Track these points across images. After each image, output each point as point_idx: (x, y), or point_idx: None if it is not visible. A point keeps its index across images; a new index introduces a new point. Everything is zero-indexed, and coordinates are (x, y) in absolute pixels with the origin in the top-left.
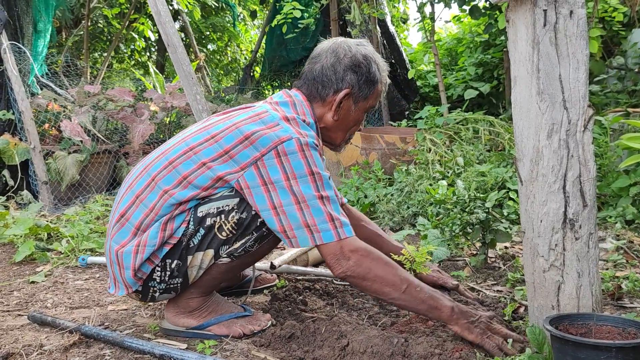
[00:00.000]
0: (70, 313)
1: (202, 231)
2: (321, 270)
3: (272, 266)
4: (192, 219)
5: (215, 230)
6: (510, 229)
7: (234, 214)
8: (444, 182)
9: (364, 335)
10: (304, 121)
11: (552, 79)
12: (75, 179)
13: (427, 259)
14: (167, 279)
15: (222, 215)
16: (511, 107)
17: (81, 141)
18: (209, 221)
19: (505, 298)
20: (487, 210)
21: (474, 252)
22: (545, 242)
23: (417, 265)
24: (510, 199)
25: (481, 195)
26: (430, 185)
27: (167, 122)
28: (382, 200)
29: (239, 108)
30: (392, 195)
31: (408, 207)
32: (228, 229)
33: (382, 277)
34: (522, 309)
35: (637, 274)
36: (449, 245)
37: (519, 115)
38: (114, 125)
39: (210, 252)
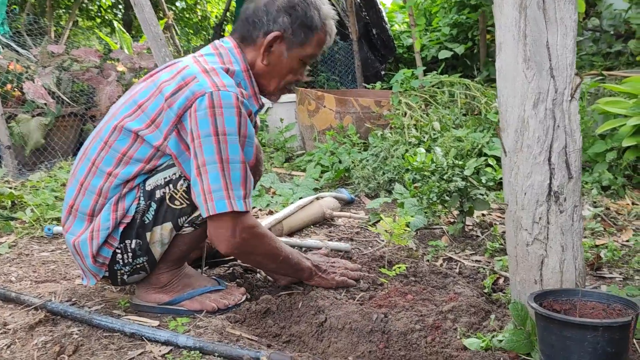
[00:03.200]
0: (36, 287)
1: (154, 205)
2: (309, 241)
3: None
4: (142, 195)
5: (167, 201)
6: (488, 196)
7: (182, 182)
8: (422, 150)
9: (342, 310)
10: (228, 70)
11: (539, 46)
12: (40, 143)
13: (405, 230)
14: (130, 260)
15: (171, 185)
16: (485, 69)
17: (45, 104)
18: (158, 193)
19: (484, 269)
20: (465, 177)
21: (452, 220)
22: (529, 215)
23: (395, 237)
24: (489, 165)
25: (459, 163)
26: (407, 151)
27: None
28: (357, 165)
29: (166, 66)
30: (367, 160)
31: (384, 173)
32: (180, 198)
33: (264, 253)
34: (501, 280)
35: (616, 242)
36: (426, 213)
37: (503, 83)
38: (80, 87)
39: (169, 226)
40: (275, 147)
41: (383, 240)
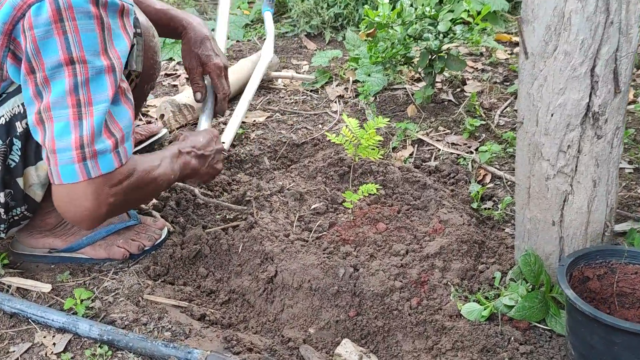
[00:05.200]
0: None
1: (17, 142)
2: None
3: None
4: None
5: None
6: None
7: None
8: (386, 0)
9: (298, 262)
10: None
11: None
12: None
13: (375, 140)
14: (3, 216)
15: None
16: None
17: None
18: (19, 126)
19: (465, 160)
20: (438, 33)
21: (416, 77)
22: (555, 142)
23: (361, 150)
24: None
25: (431, 14)
26: None
27: None
28: None
29: None
30: None
31: (329, 7)
32: None
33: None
34: (488, 178)
35: None
36: (386, 70)
37: None
38: None
39: (45, 163)
40: None
41: (335, 112)
